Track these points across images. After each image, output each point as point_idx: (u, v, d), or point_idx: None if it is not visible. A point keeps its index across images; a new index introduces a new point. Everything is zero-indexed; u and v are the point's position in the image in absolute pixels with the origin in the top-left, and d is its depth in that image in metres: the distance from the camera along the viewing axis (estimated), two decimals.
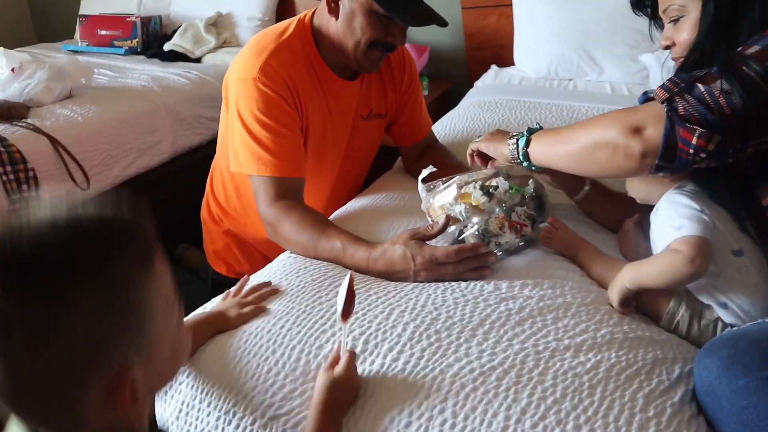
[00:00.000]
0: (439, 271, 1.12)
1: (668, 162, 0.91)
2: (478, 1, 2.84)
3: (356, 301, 0.95)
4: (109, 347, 0.58)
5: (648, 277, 1.02)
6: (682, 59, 1.06)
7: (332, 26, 1.40)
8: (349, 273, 0.93)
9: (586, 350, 0.95)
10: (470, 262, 1.13)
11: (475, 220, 1.19)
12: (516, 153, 1.17)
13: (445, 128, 1.99)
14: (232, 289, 1.15)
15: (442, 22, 1.38)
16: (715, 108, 0.86)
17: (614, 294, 1.06)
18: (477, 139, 1.32)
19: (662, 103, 0.91)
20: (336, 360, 0.90)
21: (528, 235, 1.23)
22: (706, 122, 0.86)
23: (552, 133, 1.13)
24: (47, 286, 0.55)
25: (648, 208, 1.13)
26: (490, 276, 1.13)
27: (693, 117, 0.87)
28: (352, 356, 0.90)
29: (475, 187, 1.23)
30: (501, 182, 1.25)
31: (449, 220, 1.14)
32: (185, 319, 0.95)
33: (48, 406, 0.58)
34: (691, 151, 0.88)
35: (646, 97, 0.98)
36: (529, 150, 1.15)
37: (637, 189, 1.15)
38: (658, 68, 2.07)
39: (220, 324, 1.04)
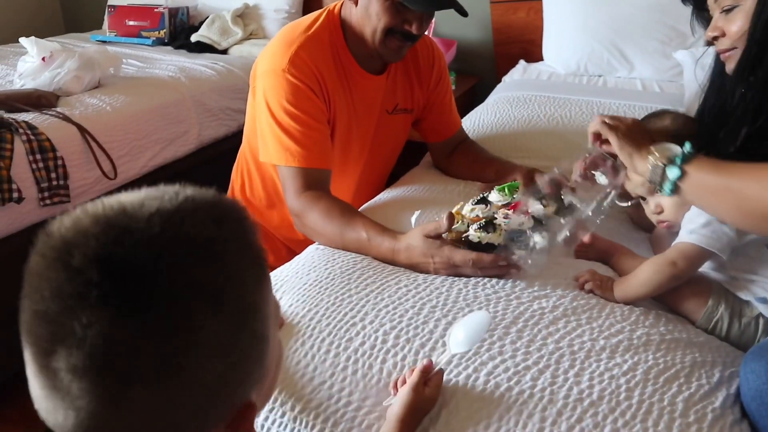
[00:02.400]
0: (456, 271, 1.12)
1: None
2: None
3: (399, 302, 0.92)
4: (236, 383, 0.49)
5: (633, 286, 1.05)
6: (738, 55, 1.02)
7: (354, 14, 1.40)
8: (489, 316, 0.87)
9: (623, 351, 0.93)
10: (489, 270, 1.10)
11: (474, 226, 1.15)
12: (658, 180, 0.94)
13: (473, 124, 1.97)
14: None
15: (460, 9, 1.35)
16: None
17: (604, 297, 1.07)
18: (606, 118, 1.05)
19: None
20: (423, 377, 0.85)
21: (540, 214, 1.17)
22: None
23: (718, 173, 0.89)
24: (174, 314, 0.44)
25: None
26: (520, 272, 1.11)
27: None
28: (441, 376, 0.87)
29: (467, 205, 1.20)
30: (494, 194, 1.21)
31: (452, 216, 1.11)
32: None
33: None
34: None
35: None
36: (683, 185, 0.91)
37: (669, 215, 1.14)
38: (692, 65, 2.02)
39: None
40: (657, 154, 0.94)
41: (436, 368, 0.87)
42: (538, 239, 1.10)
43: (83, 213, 0.47)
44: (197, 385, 0.46)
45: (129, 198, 0.48)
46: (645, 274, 1.05)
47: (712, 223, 1.01)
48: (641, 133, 1.02)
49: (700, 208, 0.98)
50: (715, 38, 1.06)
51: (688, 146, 0.93)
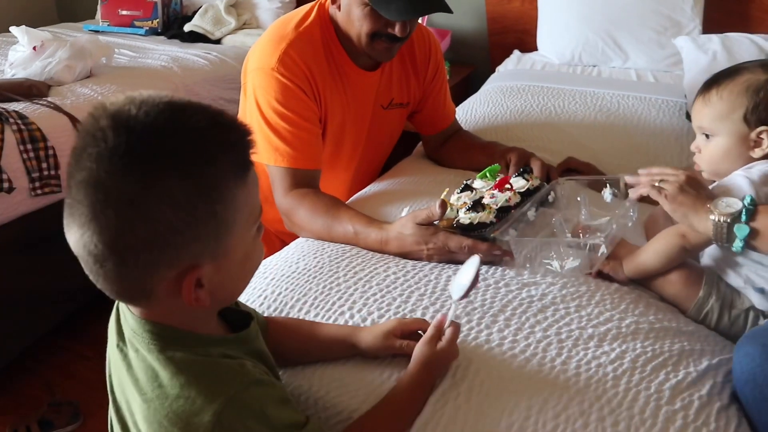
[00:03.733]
0: (450, 256, 1.11)
1: None
2: None
3: (377, 283, 0.93)
4: (185, 242, 0.61)
5: (642, 259, 1.05)
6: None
7: (338, 17, 1.38)
8: (477, 257, 0.87)
9: (611, 340, 0.93)
10: (483, 257, 1.10)
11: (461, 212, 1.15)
12: (725, 238, 0.91)
13: (466, 113, 1.96)
14: None
15: (442, 9, 1.31)
16: None
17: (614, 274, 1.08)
18: (655, 177, 1.02)
19: None
20: (437, 333, 0.86)
21: (528, 187, 1.20)
22: None
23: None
24: (148, 166, 0.58)
25: None
26: (512, 261, 1.11)
27: None
28: (457, 329, 0.87)
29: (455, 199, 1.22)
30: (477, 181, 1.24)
31: (444, 203, 1.11)
32: None
33: (125, 277, 0.61)
34: None
35: None
36: (754, 242, 0.89)
37: (706, 163, 1.10)
38: (693, 48, 2.01)
39: None
40: (717, 212, 0.92)
41: (448, 322, 0.87)
42: (530, 214, 1.12)
43: (126, 94, 0.62)
44: (153, 222, 0.59)
45: (160, 92, 0.63)
46: (654, 246, 1.05)
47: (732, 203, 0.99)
48: (696, 188, 0.98)
49: None
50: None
51: (748, 199, 0.91)
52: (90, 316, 2.14)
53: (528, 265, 1.09)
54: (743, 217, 0.89)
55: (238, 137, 0.64)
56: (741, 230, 0.89)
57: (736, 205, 0.91)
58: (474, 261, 0.87)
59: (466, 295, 0.86)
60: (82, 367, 2.00)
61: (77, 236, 0.60)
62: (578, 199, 1.21)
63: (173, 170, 0.59)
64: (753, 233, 0.88)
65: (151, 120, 0.59)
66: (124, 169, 0.57)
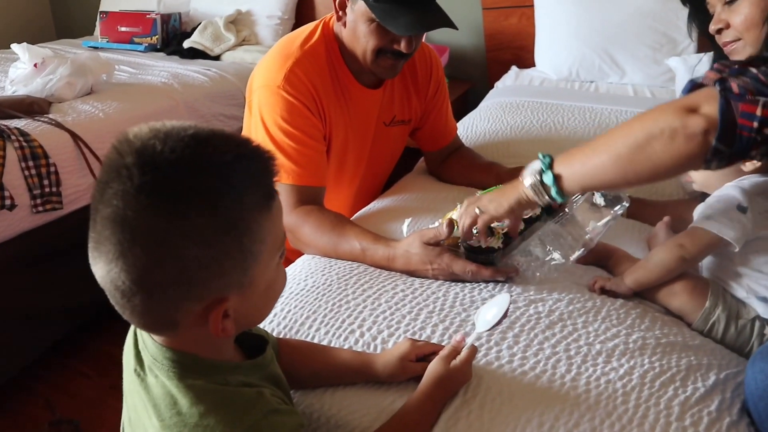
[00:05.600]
0: (454, 277, 1.13)
1: (727, 144, 0.82)
2: (499, 2, 2.82)
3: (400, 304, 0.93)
4: (213, 276, 0.61)
5: (643, 270, 1.07)
6: (742, 46, 1.03)
7: (344, 34, 1.39)
8: (508, 297, 0.89)
9: (619, 356, 0.94)
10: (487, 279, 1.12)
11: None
12: (540, 189, 0.98)
13: (466, 130, 1.98)
14: None
15: (449, 25, 1.32)
16: None
17: (616, 288, 1.09)
18: (455, 213, 1.13)
19: (713, 84, 0.85)
20: (453, 353, 0.87)
21: (531, 215, 1.18)
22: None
23: (578, 151, 0.96)
24: (175, 204, 0.58)
25: (685, 208, 1.12)
26: (517, 278, 1.12)
27: (749, 93, 0.81)
28: (474, 352, 0.88)
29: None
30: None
31: (452, 223, 1.11)
32: None
33: (152, 311, 0.62)
34: (755, 125, 0.80)
35: (693, 84, 0.91)
36: (558, 172, 0.97)
37: (698, 175, 1.13)
38: (685, 72, 2.05)
39: None
40: (528, 178, 0.99)
41: (467, 345, 0.87)
42: (556, 256, 1.12)
43: (150, 124, 0.61)
44: (180, 259, 0.59)
45: (183, 123, 0.62)
46: (654, 257, 1.06)
47: (730, 211, 1.01)
48: (495, 191, 1.08)
49: (586, 187, 0.98)
50: (719, 31, 1.07)
51: (541, 155, 0.99)
52: (90, 333, 2.14)
53: (537, 273, 1.10)
54: (544, 168, 0.97)
55: (262, 167, 0.64)
56: (548, 178, 0.96)
57: (536, 164, 0.99)
58: (504, 300, 0.87)
59: (490, 330, 0.88)
60: (82, 385, 1.99)
61: (104, 271, 0.60)
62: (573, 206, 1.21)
63: (200, 207, 0.59)
64: (557, 178, 0.96)
65: (177, 156, 0.58)
66: (151, 207, 0.57)
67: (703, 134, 0.82)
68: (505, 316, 0.87)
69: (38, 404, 1.91)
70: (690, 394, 0.88)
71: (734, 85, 0.82)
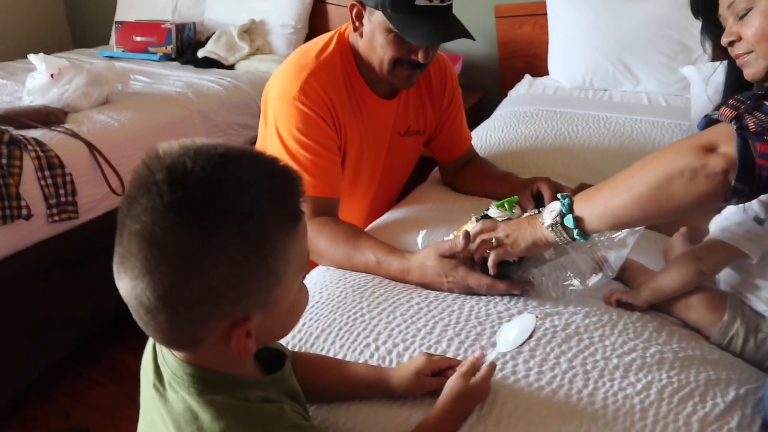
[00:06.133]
0: (469, 290, 1.12)
1: (746, 183, 0.84)
2: (512, 10, 2.82)
3: (401, 314, 0.93)
4: (238, 296, 0.61)
5: (660, 283, 1.06)
6: (755, 59, 1.02)
7: (360, 45, 1.40)
8: (534, 318, 0.89)
9: (636, 370, 0.93)
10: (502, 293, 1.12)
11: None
12: (561, 230, 1.00)
13: (480, 139, 1.98)
14: None
15: (466, 36, 1.32)
16: None
17: (632, 301, 1.08)
18: (470, 226, 1.13)
19: (730, 122, 0.87)
20: (473, 370, 0.87)
21: None
22: None
23: (597, 190, 0.99)
24: (203, 223, 0.58)
25: (701, 219, 1.11)
26: (533, 292, 1.11)
27: (766, 132, 0.83)
28: (493, 369, 0.88)
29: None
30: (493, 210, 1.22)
31: (468, 236, 1.11)
32: None
33: (175, 328, 0.62)
34: None
35: (708, 120, 0.93)
36: (578, 214, 0.98)
37: None
38: (699, 81, 2.03)
39: None
40: (549, 220, 1.01)
41: (487, 362, 0.87)
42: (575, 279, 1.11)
43: (180, 141, 0.62)
44: (207, 278, 0.59)
45: (213, 140, 0.62)
46: (670, 269, 1.05)
47: (748, 223, 1.00)
48: (508, 228, 1.07)
49: (607, 226, 0.98)
50: (731, 43, 1.07)
51: (561, 196, 1.00)
52: (105, 342, 2.15)
53: (553, 294, 1.09)
54: (565, 210, 0.98)
55: (290, 188, 0.64)
56: (569, 221, 0.98)
57: (556, 206, 1.00)
58: (529, 322, 0.87)
59: (513, 350, 0.88)
60: (97, 394, 2.00)
61: (129, 287, 0.60)
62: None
63: (228, 227, 0.59)
64: (578, 220, 0.98)
65: (207, 175, 0.58)
66: (180, 225, 0.57)
67: (723, 174, 0.84)
68: (530, 337, 0.86)
69: (54, 412, 1.92)
70: (709, 410, 0.87)
71: (750, 123, 0.84)
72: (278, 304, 0.65)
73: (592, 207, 0.97)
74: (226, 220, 0.59)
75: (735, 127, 0.86)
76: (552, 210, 1.01)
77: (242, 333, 0.63)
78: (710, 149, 0.86)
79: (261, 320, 0.64)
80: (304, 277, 0.70)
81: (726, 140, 0.85)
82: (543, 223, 1.02)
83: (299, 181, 0.65)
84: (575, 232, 0.98)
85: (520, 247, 1.05)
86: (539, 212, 1.14)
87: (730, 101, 0.89)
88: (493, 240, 1.07)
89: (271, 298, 0.64)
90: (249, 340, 0.65)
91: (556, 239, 1.01)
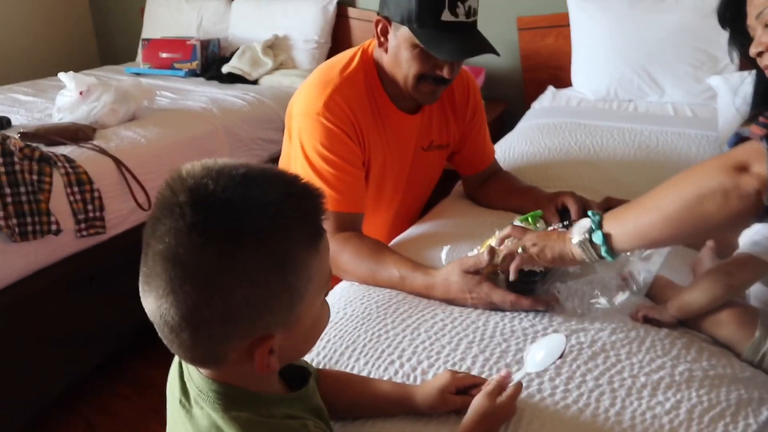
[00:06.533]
0: (493, 306, 1.12)
1: None
2: (534, 22, 2.82)
3: (434, 333, 0.92)
4: (260, 314, 0.62)
5: (688, 298, 1.03)
6: None
7: (385, 60, 1.40)
8: (564, 339, 0.86)
9: (664, 389, 0.91)
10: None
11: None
12: (589, 247, 1.00)
13: (504, 152, 1.97)
14: None
15: (491, 51, 1.33)
16: None
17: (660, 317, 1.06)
18: (494, 241, 1.13)
19: (760, 140, 0.85)
20: (499, 389, 0.85)
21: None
22: None
23: (627, 210, 0.98)
24: (226, 243, 0.59)
25: (730, 233, 1.09)
26: (558, 308, 1.10)
27: None
28: (520, 388, 0.86)
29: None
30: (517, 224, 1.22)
31: (493, 251, 1.10)
32: None
33: (199, 346, 0.63)
34: None
35: (739, 137, 0.92)
36: (608, 231, 0.98)
37: None
38: (726, 91, 2.00)
39: None
40: (577, 236, 1.01)
41: (514, 382, 0.86)
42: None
43: (202, 162, 0.63)
44: (229, 298, 0.60)
45: (235, 161, 0.64)
46: (700, 285, 1.03)
47: None
48: (542, 232, 1.09)
49: (638, 245, 0.99)
50: (760, 53, 1.06)
51: (591, 213, 1.00)
52: (132, 356, 2.17)
53: (579, 311, 1.08)
54: (594, 227, 0.98)
55: (311, 206, 0.65)
56: (598, 237, 0.98)
57: (585, 223, 1.00)
58: (559, 342, 0.86)
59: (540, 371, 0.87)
60: (122, 407, 2.02)
61: (154, 306, 0.61)
62: None
63: (250, 247, 0.59)
64: (607, 237, 0.97)
65: (229, 196, 0.59)
66: (203, 246, 0.58)
67: (756, 194, 0.84)
68: (560, 358, 0.85)
69: (79, 425, 1.95)
70: (741, 430, 0.85)
71: None
72: (300, 321, 0.66)
73: (621, 225, 0.97)
74: (247, 240, 0.59)
75: (766, 146, 0.85)
76: (581, 227, 1.01)
77: (265, 351, 0.64)
78: (742, 169, 0.85)
79: (283, 338, 0.65)
80: (326, 294, 0.71)
81: (758, 159, 0.84)
82: (572, 239, 1.01)
83: (321, 199, 0.66)
84: (603, 249, 0.97)
85: (546, 258, 1.05)
86: (564, 226, 1.13)
87: (761, 119, 0.87)
88: (520, 248, 1.07)
89: (293, 316, 0.65)
90: (272, 358, 0.65)
91: (584, 256, 1.00)
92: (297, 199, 0.64)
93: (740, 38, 1.15)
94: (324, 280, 0.68)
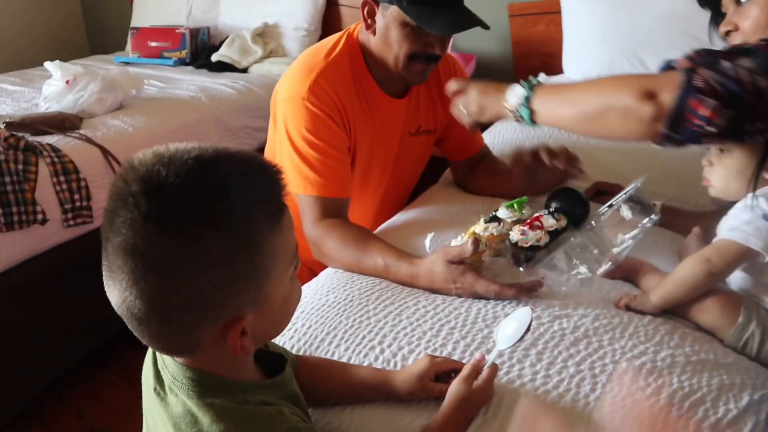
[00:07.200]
0: (477, 296, 1.11)
1: (675, 131, 0.89)
2: (525, 9, 2.80)
3: (408, 315, 0.92)
4: (228, 297, 0.61)
5: (668, 287, 1.03)
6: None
7: (372, 42, 1.40)
8: (530, 312, 0.87)
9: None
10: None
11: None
12: (518, 114, 1.08)
13: (494, 139, 1.96)
14: None
15: (481, 25, 1.33)
16: (742, 82, 0.84)
17: (642, 308, 1.06)
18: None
19: (683, 71, 0.88)
20: (475, 373, 0.85)
21: (556, 227, 1.20)
22: (726, 96, 0.84)
23: (558, 90, 1.06)
24: (183, 229, 0.58)
25: (713, 220, 1.08)
26: (542, 291, 1.10)
27: (711, 89, 0.85)
28: (495, 371, 0.86)
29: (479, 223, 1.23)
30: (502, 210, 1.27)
31: (477, 241, 1.10)
32: None
33: (170, 335, 0.63)
34: (697, 122, 0.86)
35: (668, 66, 0.97)
36: (534, 107, 1.05)
37: (717, 179, 1.09)
38: None
39: None
40: (509, 100, 1.09)
41: (488, 363, 0.86)
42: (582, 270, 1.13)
43: (153, 149, 0.61)
44: (193, 284, 0.59)
45: (186, 145, 0.62)
46: (679, 273, 1.03)
47: (755, 220, 0.98)
48: (491, 85, 1.17)
49: (551, 125, 1.09)
50: (728, 33, 1.06)
51: (523, 83, 1.08)
52: (120, 345, 2.16)
53: (564, 288, 1.09)
54: (526, 88, 1.06)
55: (269, 183, 0.64)
56: (525, 113, 1.06)
57: (520, 92, 1.07)
58: (525, 315, 0.86)
59: (512, 347, 0.86)
60: (112, 396, 2.02)
61: (119, 299, 0.60)
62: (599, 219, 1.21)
63: (209, 230, 0.58)
64: (532, 113, 1.06)
65: (182, 180, 0.58)
66: (160, 234, 0.57)
67: (651, 121, 0.91)
68: (527, 331, 0.84)
69: (70, 414, 1.94)
70: (722, 416, 0.85)
71: (700, 77, 0.86)
72: (270, 300, 0.65)
73: (546, 107, 1.05)
74: (206, 224, 0.58)
75: (682, 78, 0.88)
76: (516, 94, 1.08)
77: (237, 332, 0.63)
78: (650, 95, 0.91)
79: (255, 318, 0.65)
80: (296, 270, 0.70)
81: (668, 89, 0.89)
82: (505, 103, 1.10)
83: (279, 175, 0.65)
84: (526, 123, 1.07)
85: (485, 115, 1.16)
86: (550, 213, 1.13)
87: (692, 52, 0.90)
88: (461, 107, 1.19)
89: (262, 295, 0.64)
90: (245, 339, 0.65)
91: (512, 118, 1.10)
92: (254, 177, 0.63)
93: (719, 19, 1.14)
94: (290, 256, 0.67)
